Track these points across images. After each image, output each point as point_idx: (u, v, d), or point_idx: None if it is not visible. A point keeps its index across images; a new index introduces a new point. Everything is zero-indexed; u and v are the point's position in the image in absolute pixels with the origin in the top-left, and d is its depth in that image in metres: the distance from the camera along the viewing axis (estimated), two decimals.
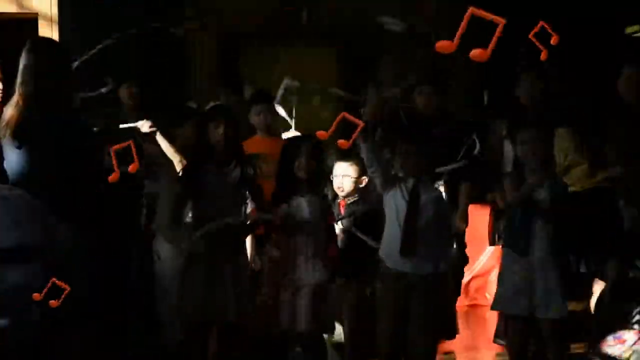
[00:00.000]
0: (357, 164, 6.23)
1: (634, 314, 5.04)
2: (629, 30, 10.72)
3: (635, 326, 4.90)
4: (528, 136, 5.71)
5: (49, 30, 8.92)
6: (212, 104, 6.24)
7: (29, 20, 9.40)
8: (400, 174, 5.67)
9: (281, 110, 7.89)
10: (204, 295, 5.42)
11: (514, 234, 5.77)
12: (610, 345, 5.45)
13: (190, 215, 5.73)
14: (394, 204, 5.62)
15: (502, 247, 6.34)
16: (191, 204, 5.63)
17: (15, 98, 5.34)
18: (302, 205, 5.53)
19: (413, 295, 5.55)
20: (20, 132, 5.32)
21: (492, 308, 6.03)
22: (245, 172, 5.59)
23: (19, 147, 5.30)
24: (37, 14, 9.23)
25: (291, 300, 5.48)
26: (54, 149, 5.33)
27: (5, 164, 5.35)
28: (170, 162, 6.38)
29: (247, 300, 5.57)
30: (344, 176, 6.17)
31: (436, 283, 5.64)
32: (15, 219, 4.49)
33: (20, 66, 5.44)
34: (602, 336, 5.88)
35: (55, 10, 9.08)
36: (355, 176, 6.23)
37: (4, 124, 5.32)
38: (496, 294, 5.84)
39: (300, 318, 5.45)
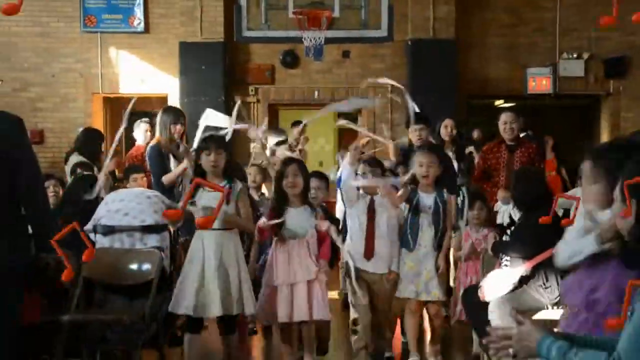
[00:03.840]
0: (325, 179, 5.39)
1: (502, 260, 4.62)
2: (496, 103, 11.26)
3: (504, 266, 4.57)
4: (422, 159, 4.95)
5: (174, 103, 9.16)
6: (206, 134, 5.04)
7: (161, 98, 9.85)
8: (363, 193, 4.95)
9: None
10: (192, 294, 4.37)
11: (406, 233, 4.93)
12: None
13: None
14: (357, 216, 4.91)
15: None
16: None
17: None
18: (293, 215, 4.58)
19: (374, 288, 4.90)
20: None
21: (396, 294, 4.97)
22: (232, 192, 4.51)
23: None
24: (167, 94, 9.87)
25: (288, 296, 4.52)
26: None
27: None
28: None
29: (231, 300, 4.40)
30: (317, 189, 5.16)
31: (390, 278, 4.91)
32: (154, 209, 4.85)
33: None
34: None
35: (177, 91, 9.69)
36: (325, 188, 5.33)
37: None
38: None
39: (299, 310, 4.51)
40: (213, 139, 4.72)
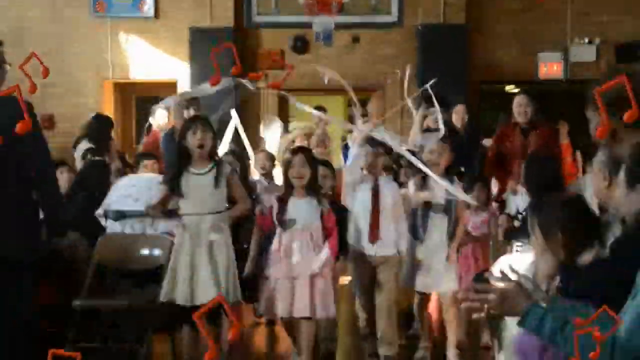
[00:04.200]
0: (331, 168, 5.08)
1: (515, 246, 4.54)
2: (507, 88, 10.89)
3: (515, 252, 4.44)
4: (433, 146, 4.80)
5: (184, 89, 9.21)
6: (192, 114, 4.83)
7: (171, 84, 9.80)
8: (367, 173, 4.82)
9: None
10: (185, 282, 4.15)
11: (416, 224, 4.81)
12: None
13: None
14: (362, 199, 4.74)
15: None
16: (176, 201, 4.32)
17: None
18: (298, 206, 4.32)
19: (379, 271, 4.73)
20: None
21: (402, 285, 4.92)
22: (221, 174, 4.27)
23: None
24: (176, 80, 9.79)
25: (289, 290, 4.28)
26: None
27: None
28: None
29: (222, 286, 4.17)
30: (324, 177, 4.82)
31: (396, 261, 4.78)
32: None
33: None
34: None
35: (187, 77, 9.60)
36: (331, 177, 4.98)
37: None
38: (402, 275, 4.87)
39: (299, 305, 4.26)
40: (199, 118, 4.51)
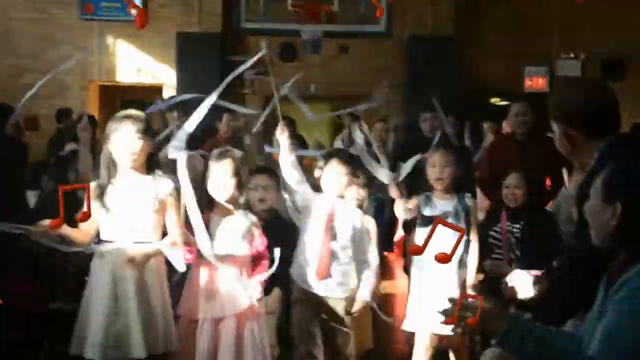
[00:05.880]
0: (276, 177, 4.04)
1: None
2: (492, 100, 11.01)
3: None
4: (436, 158, 4.06)
5: (170, 93, 9.17)
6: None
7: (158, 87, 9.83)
8: (324, 191, 3.78)
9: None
10: (106, 330, 3.11)
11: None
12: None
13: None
14: (312, 221, 3.75)
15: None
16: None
17: None
18: (223, 227, 3.41)
19: (327, 316, 3.72)
20: None
21: (402, 327, 4.04)
22: (157, 192, 3.24)
23: None
24: (163, 83, 9.82)
25: (211, 333, 3.34)
26: None
27: None
28: None
29: (156, 335, 3.17)
30: (265, 188, 3.99)
31: (349, 307, 3.75)
32: None
33: None
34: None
35: (174, 81, 9.61)
36: (276, 189, 4.03)
37: None
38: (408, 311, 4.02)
39: (224, 353, 3.31)
40: (131, 118, 3.28)
